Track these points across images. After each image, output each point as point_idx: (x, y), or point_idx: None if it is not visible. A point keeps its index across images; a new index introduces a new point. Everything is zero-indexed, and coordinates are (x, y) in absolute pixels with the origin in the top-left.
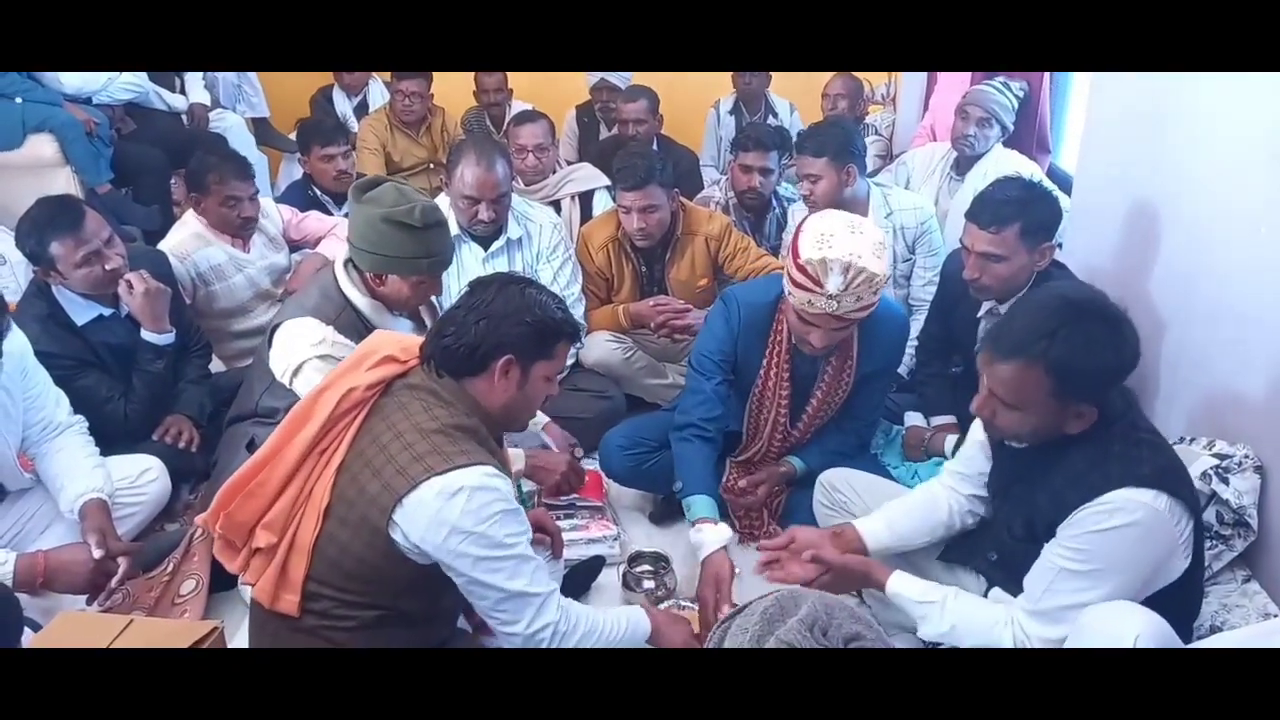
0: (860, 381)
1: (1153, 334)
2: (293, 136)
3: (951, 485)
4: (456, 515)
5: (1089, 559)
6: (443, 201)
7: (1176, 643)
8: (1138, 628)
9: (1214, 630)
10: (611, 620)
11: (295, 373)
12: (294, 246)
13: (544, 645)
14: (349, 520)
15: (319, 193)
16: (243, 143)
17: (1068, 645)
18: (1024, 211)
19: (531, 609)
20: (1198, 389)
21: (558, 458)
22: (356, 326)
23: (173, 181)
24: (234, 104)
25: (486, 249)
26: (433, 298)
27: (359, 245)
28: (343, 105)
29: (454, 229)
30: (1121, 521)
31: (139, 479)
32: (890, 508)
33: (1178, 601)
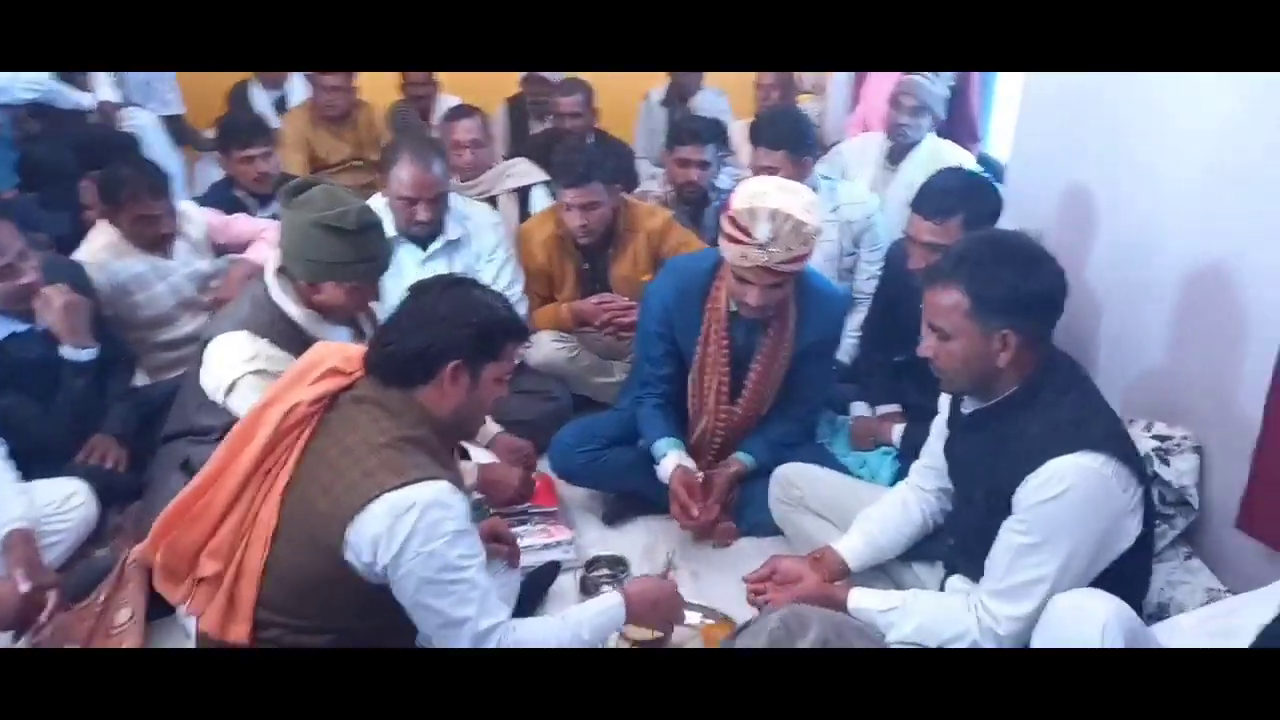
0: (800, 356)
1: (1090, 316)
2: (210, 134)
3: (919, 485)
4: (407, 533)
5: (1041, 529)
6: (377, 202)
7: (1141, 627)
8: (1104, 614)
9: (1161, 607)
10: (569, 627)
11: (229, 390)
12: (220, 250)
13: None
14: (298, 541)
15: (242, 194)
16: (157, 142)
17: (1036, 638)
18: (967, 202)
19: (472, 639)
20: (1136, 370)
21: (509, 471)
22: (291, 338)
23: (82, 184)
24: (146, 101)
25: (425, 250)
26: (372, 304)
27: (291, 252)
28: (261, 101)
29: (390, 230)
30: (1065, 487)
31: (64, 504)
32: (865, 521)
33: (1129, 579)
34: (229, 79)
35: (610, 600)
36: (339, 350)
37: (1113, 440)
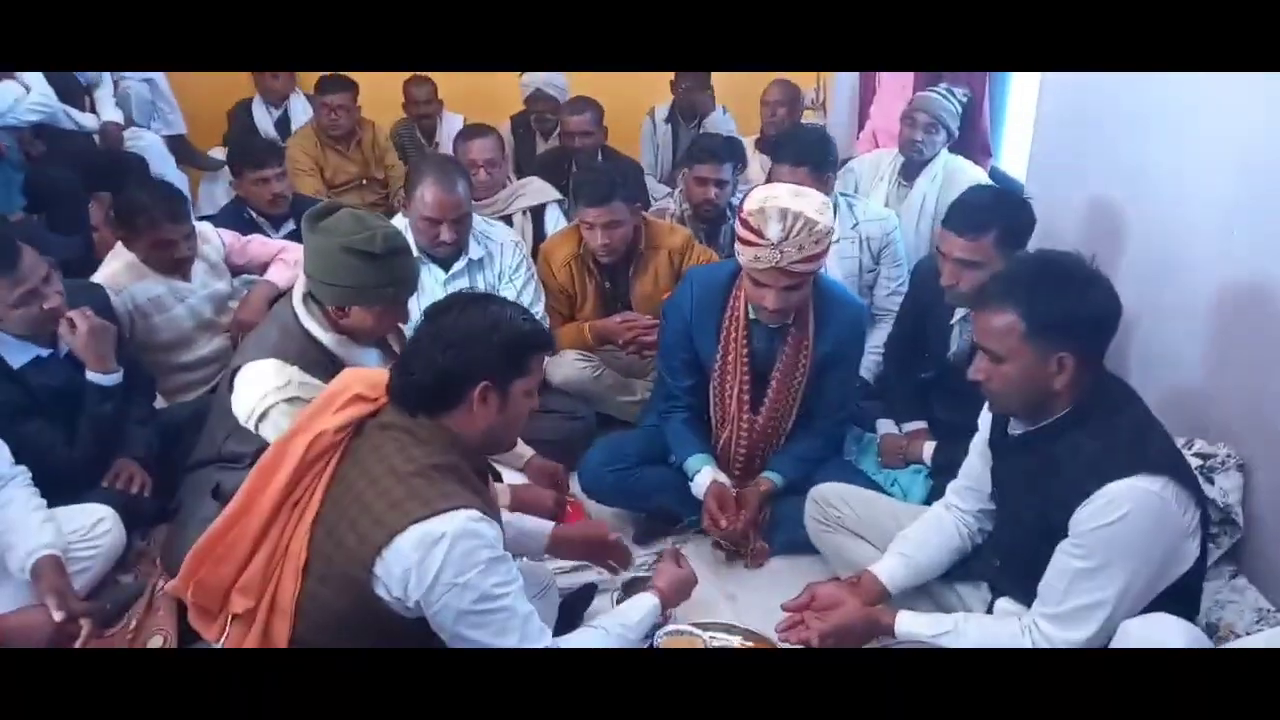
0: (820, 365)
1: (1121, 332)
2: (212, 154)
3: (957, 504)
4: (439, 565)
5: (1100, 554)
6: (398, 222)
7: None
8: (1177, 639)
9: (1210, 627)
10: (613, 635)
11: (261, 417)
12: (237, 271)
13: None
14: (329, 576)
15: (254, 215)
16: (162, 162)
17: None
18: (1001, 217)
19: None
20: (1170, 386)
21: (542, 493)
22: (322, 364)
23: (90, 205)
24: (149, 121)
25: (447, 271)
26: (401, 324)
27: (318, 277)
28: (263, 118)
29: (414, 251)
30: (1125, 511)
31: (92, 530)
32: (904, 543)
33: (1182, 600)
34: (230, 98)
35: (645, 601)
36: (364, 376)
37: (1170, 461)
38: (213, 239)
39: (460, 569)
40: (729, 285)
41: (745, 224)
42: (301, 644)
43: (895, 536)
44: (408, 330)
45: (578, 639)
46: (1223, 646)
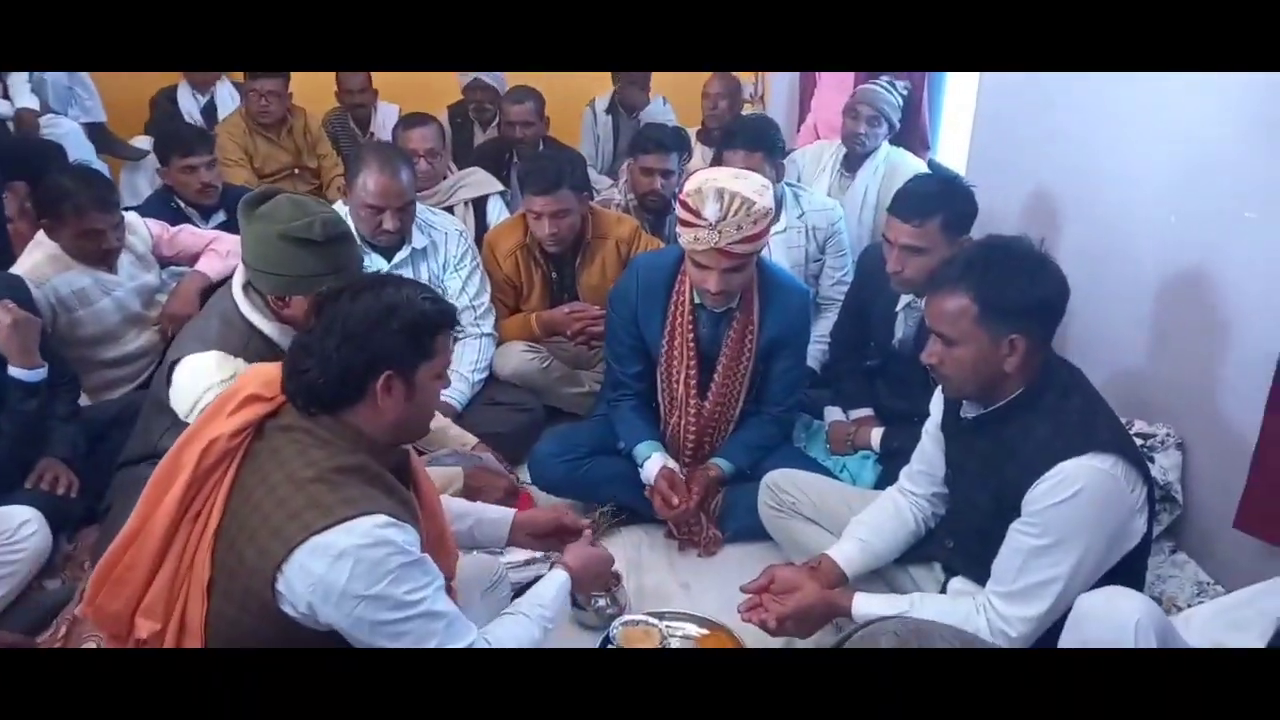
0: (765, 350)
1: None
2: (135, 142)
3: (910, 489)
4: (345, 578)
5: (1053, 532)
6: (339, 210)
7: (1169, 623)
8: (1136, 613)
9: (1154, 600)
10: (535, 620)
11: (199, 406)
12: (165, 263)
13: None
14: (233, 593)
15: (182, 204)
16: (81, 150)
17: (1065, 638)
18: (945, 205)
19: None
20: (1111, 369)
21: (498, 476)
22: (263, 354)
23: (4, 195)
24: (66, 108)
25: (390, 260)
26: None
27: (257, 266)
28: (189, 105)
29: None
30: (1077, 489)
31: (15, 533)
32: (859, 528)
33: (1129, 576)
34: (151, 84)
35: (558, 578)
36: (258, 374)
37: (1119, 440)
38: (140, 230)
39: (369, 580)
40: (674, 271)
41: (684, 205)
42: None
43: (849, 521)
44: None
45: (500, 631)
46: (1171, 618)
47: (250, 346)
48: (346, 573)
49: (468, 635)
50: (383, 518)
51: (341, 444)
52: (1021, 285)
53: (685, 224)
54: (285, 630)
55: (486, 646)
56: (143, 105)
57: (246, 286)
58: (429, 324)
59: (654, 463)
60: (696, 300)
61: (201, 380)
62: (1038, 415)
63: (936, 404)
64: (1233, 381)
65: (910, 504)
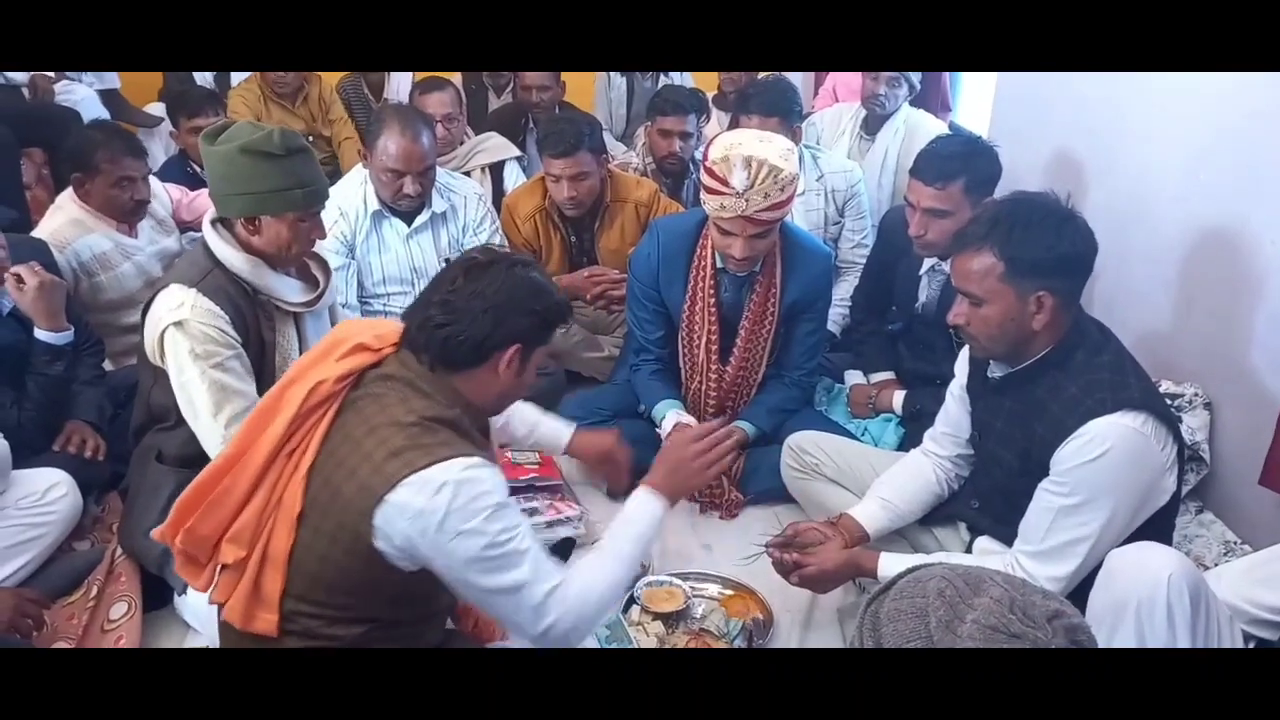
0: (788, 314)
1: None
2: (149, 109)
3: (935, 451)
4: (443, 512)
5: (1083, 491)
6: (357, 175)
7: (1202, 578)
8: (1169, 566)
9: None
10: (622, 548)
11: (160, 349)
12: (185, 228)
13: (559, 643)
14: (325, 528)
15: (198, 169)
16: (96, 116)
17: (1096, 595)
18: (968, 166)
19: (532, 610)
20: (1137, 329)
21: (604, 436)
22: (226, 289)
23: (22, 161)
24: (80, 74)
25: (410, 224)
26: (323, 255)
27: (223, 191)
28: (202, 73)
29: (375, 205)
30: (1107, 447)
31: (46, 495)
32: (881, 487)
33: (1157, 534)
34: None
35: (649, 510)
36: (368, 326)
37: (1149, 398)
38: (160, 194)
39: (466, 515)
40: (695, 235)
41: (710, 173)
42: (294, 597)
43: (873, 482)
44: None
45: (587, 575)
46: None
47: (207, 280)
48: (445, 506)
49: (555, 575)
50: (478, 458)
51: (440, 398)
52: (1048, 240)
53: (711, 191)
54: (372, 566)
55: (572, 593)
56: (156, 73)
57: (215, 221)
58: (560, 314)
59: (669, 420)
60: (719, 264)
61: (157, 317)
62: (1066, 374)
63: (962, 365)
64: (1260, 340)
65: (934, 465)
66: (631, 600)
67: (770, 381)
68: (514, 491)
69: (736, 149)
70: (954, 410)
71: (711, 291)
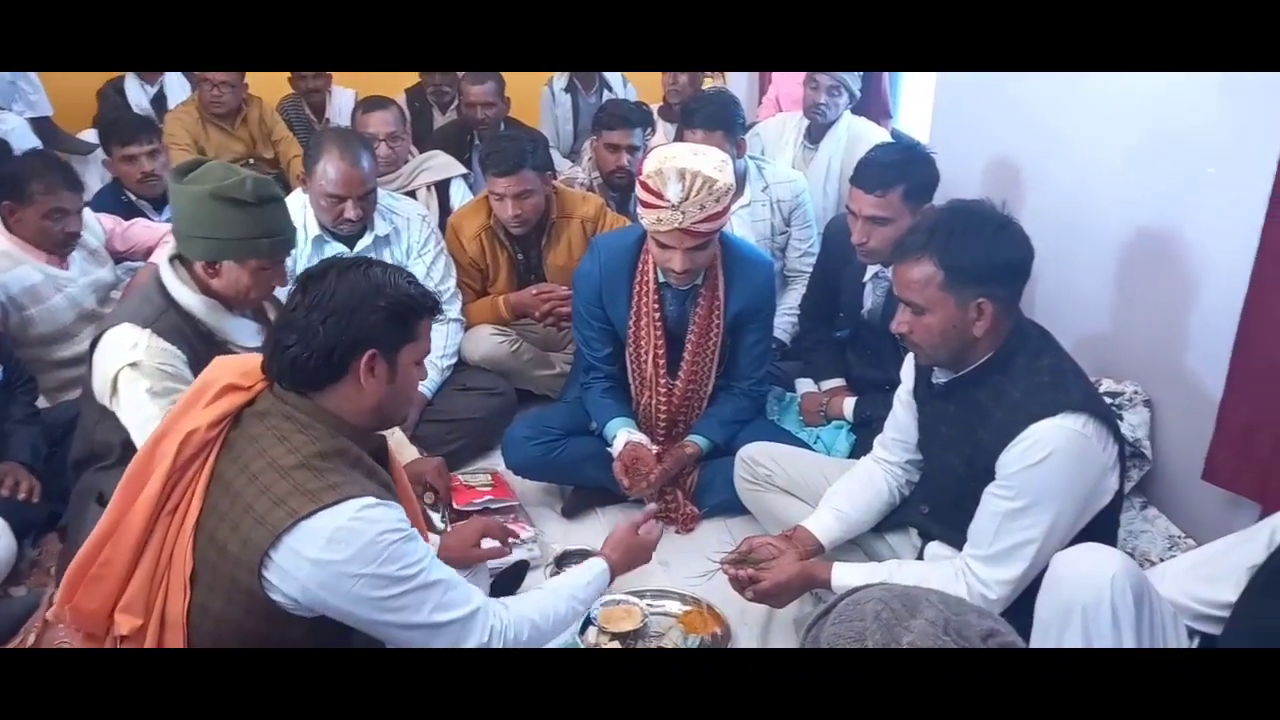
0: (733, 325)
1: (1028, 281)
2: (83, 136)
3: (884, 458)
4: (339, 560)
5: (1028, 493)
6: (297, 199)
7: (1145, 578)
8: (1112, 567)
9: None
10: (562, 597)
11: (113, 390)
12: (119, 258)
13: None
14: (218, 586)
15: (134, 197)
16: (27, 146)
17: (1043, 597)
18: (907, 174)
19: (453, 635)
20: (1078, 331)
21: (468, 532)
22: (181, 329)
23: None
24: (9, 102)
25: (352, 248)
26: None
27: (187, 231)
28: (138, 97)
29: (315, 230)
30: (1050, 450)
31: None
32: (834, 497)
33: (1102, 533)
34: (99, 77)
35: (596, 566)
36: (235, 364)
37: (1090, 400)
38: (92, 224)
39: (364, 560)
40: (636, 251)
41: (645, 186)
42: None
43: (826, 492)
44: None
45: (524, 603)
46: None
47: (165, 320)
48: (340, 554)
49: (474, 596)
50: (370, 498)
51: (322, 428)
52: (986, 248)
53: (647, 205)
54: (272, 620)
55: (508, 618)
56: (90, 98)
57: (174, 259)
58: (415, 307)
59: (620, 438)
60: (661, 279)
61: (107, 355)
62: (1008, 378)
63: (908, 371)
64: (1196, 338)
65: (885, 472)
66: (588, 622)
67: (720, 393)
68: (468, 514)
69: (670, 162)
70: (902, 416)
71: (656, 306)
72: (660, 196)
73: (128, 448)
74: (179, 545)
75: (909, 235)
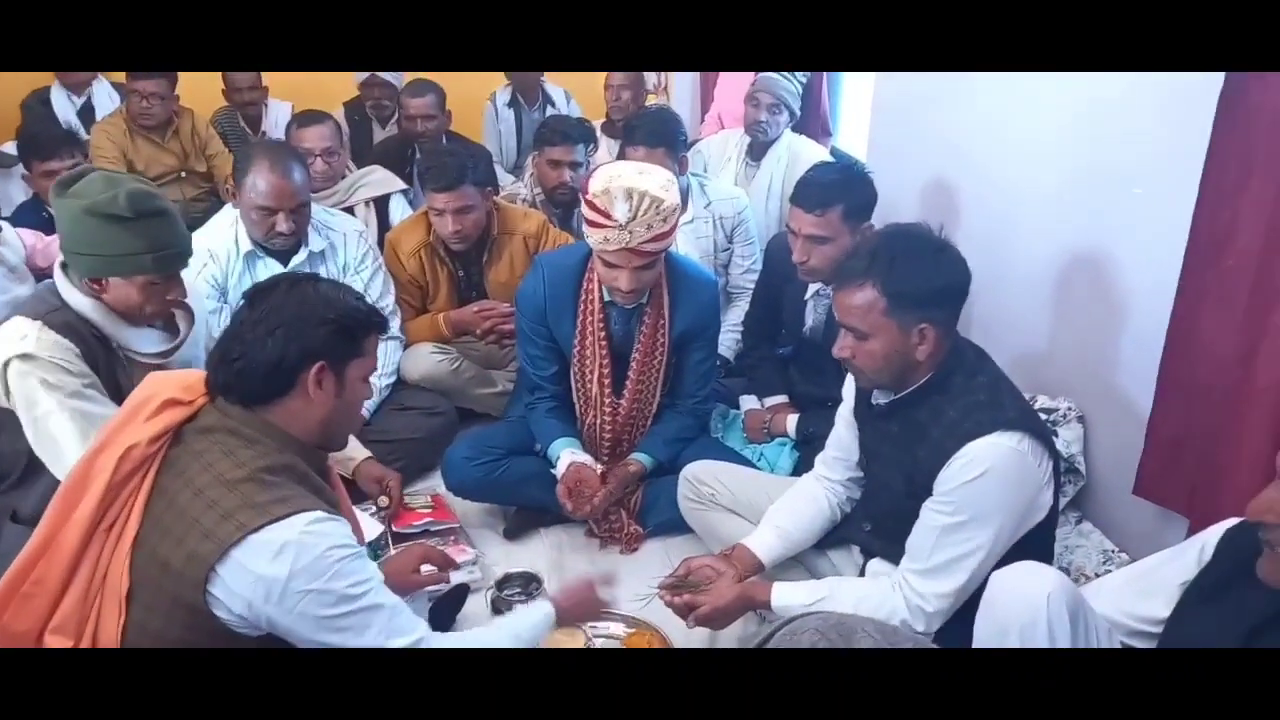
0: (679, 344)
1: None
2: (4, 148)
3: (825, 475)
4: (286, 575)
5: (965, 510)
6: (227, 215)
7: (1080, 595)
8: (1048, 585)
9: (1064, 570)
10: (504, 634)
11: (5, 382)
12: (40, 276)
13: None
14: (157, 605)
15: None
16: None
17: (981, 615)
18: (845, 193)
19: None
20: (1013, 349)
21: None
22: (75, 326)
23: None
24: None
25: (286, 264)
26: (190, 302)
27: (69, 248)
28: (64, 108)
29: (247, 245)
30: (986, 467)
31: None
32: (776, 515)
33: (1038, 548)
34: (23, 86)
35: (542, 607)
36: (176, 379)
37: (1025, 417)
38: (12, 240)
39: (311, 575)
40: (581, 269)
41: (592, 205)
42: None
43: (767, 510)
44: (197, 306)
45: (465, 638)
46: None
47: (55, 315)
48: (287, 568)
49: (417, 627)
50: (319, 513)
51: (269, 443)
52: (927, 273)
53: (594, 224)
54: (215, 639)
55: (437, 646)
56: (13, 109)
57: (64, 265)
58: (363, 322)
59: (564, 460)
60: (606, 298)
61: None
62: (946, 398)
63: (848, 391)
64: (1127, 356)
65: (826, 490)
66: None
67: (665, 411)
68: (408, 537)
69: (617, 181)
70: (842, 435)
71: (601, 325)
72: (607, 216)
73: (35, 457)
74: (115, 563)
75: (849, 261)
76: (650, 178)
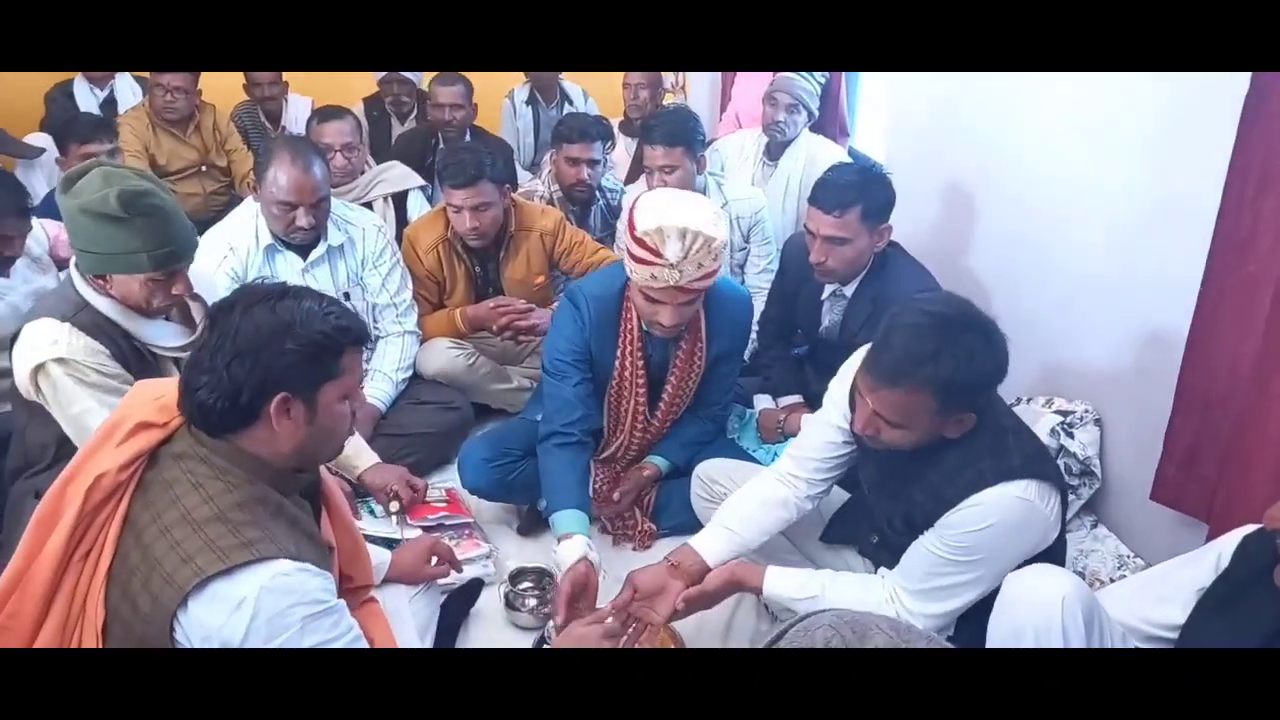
0: (712, 363)
1: (978, 302)
2: (30, 140)
3: (792, 473)
4: (243, 631)
5: (966, 553)
6: (248, 208)
7: (1095, 598)
8: (1062, 589)
9: (1078, 574)
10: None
11: (36, 382)
12: (63, 265)
13: None
14: (131, 641)
15: None
16: None
17: (994, 618)
18: (864, 194)
19: None
20: (1028, 351)
21: (419, 551)
22: (102, 325)
23: None
24: None
25: (305, 258)
26: (206, 295)
27: (73, 244)
28: (87, 101)
29: (267, 239)
30: (997, 519)
31: None
32: (727, 515)
33: (1048, 554)
34: (46, 81)
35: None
36: (151, 398)
37: (1033, 462)
38: (37, 231)
39: (271, 632)
40: (619, 300)
41: (641, 243)
42: None
43: (722, 506)
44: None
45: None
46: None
47: (80, 316)
48: (244, 625)
49: None
50: (286, 563)
51: (239, 473)
52: (980, 369)
53: (642, 261)
54: None
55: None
56: (37, 103)
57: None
58: (332, 344)
59: (571, 549)
60: (644, 327)
61: (29, 348)
62: (957, 443)
63: (843, 401)
64: (1147, 358)
65: (790, 490)
66: (542, 640)
67: (684, 415)
68: (422, 530)
69: (670, 219)
70: (829, 441)
71: (640, 353)
72: (658, 254)
73: (63, 446)
74: (91, 593)
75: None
76: (700, 213)
